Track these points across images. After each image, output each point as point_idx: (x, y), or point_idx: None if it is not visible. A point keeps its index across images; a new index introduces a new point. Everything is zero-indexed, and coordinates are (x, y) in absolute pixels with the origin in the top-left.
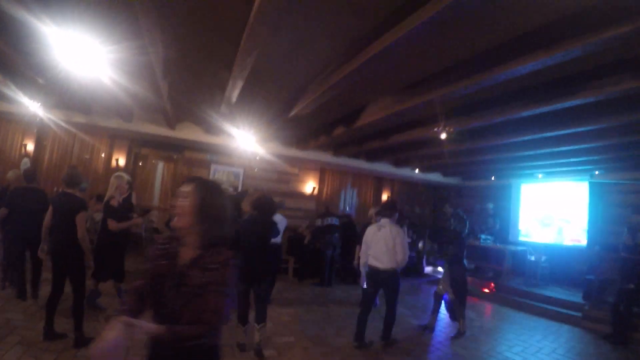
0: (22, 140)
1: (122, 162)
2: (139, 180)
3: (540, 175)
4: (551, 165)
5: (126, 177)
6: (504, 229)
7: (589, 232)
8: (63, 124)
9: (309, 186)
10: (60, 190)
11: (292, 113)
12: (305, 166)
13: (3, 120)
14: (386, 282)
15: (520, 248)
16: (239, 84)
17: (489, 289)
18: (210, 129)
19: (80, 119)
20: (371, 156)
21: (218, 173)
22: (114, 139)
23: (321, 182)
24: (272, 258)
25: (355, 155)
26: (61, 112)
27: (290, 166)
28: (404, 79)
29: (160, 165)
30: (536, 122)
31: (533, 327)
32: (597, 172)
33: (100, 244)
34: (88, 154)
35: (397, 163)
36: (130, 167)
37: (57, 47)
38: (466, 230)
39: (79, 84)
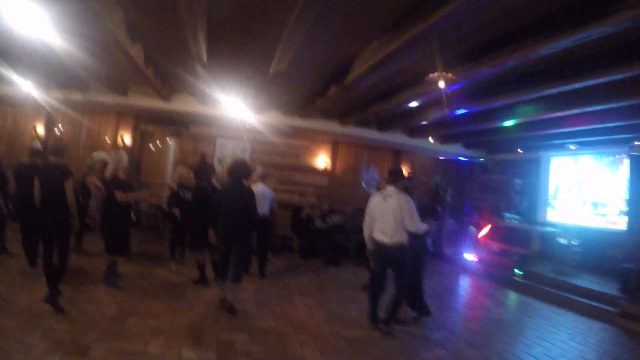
0: (33, 123)
1: (127, 139)
2: (147, 157)
3: (572, 147)
4: (584, 133)
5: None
6: (531, 207)
7: (628, 213)
8: (60, 103)
9: (321, 160)
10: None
11: (272, 69)
12: (315, 138)
13: (14, 104)
14: (393, 258)
15: (549, 229)
16: (201, 37)
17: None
18: (204, 98)
19: (77, 96)
20: (381, 125)
21: (224, 148)
22: (120, 116)
23: (334, 156)
24: (252, 225)
25: (364, 124)
26: (59, 91)
27: (298, 138)
28: (386, 13)
29: (172, 142)
30: (561, 69)
31: (559, 323)
32: (637, 142)
33: (108, 220)
34: (97, 134)
35: (412, 132)
36: (137, 144)
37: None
38: (444, 201)
39: (54, 58)
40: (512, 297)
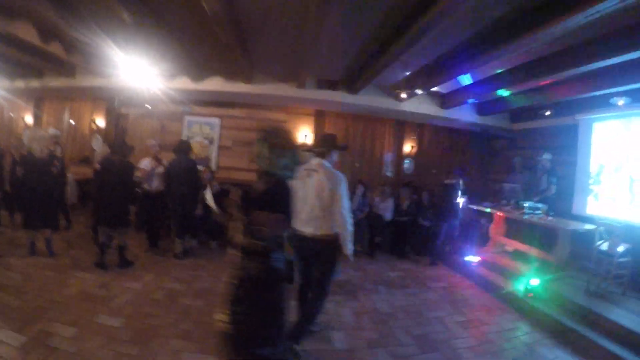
0: (22, 115)
1: (101, 123)
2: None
3: (620, 102)
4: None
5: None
6: (565, 194)
7: None
8: (21, 92)
9: (302, 136)
10: None
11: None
12: (294, 110)
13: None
14: (317, 256)
15: (585, 227)
16: None
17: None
18: (131, 70)
19: (35, 84)
20: (351, 83)
21: (192, 125)
22: (95, 100)
23: (318, 130)
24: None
25: (328, 85)
26: (20, 81)
27: (274, 110)
28: None
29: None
30: None
31: None
32: None
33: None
34: (77, 119)
35: (394, 92)
36: (112, 127)
37: None
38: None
39: None
40: (510, 328)
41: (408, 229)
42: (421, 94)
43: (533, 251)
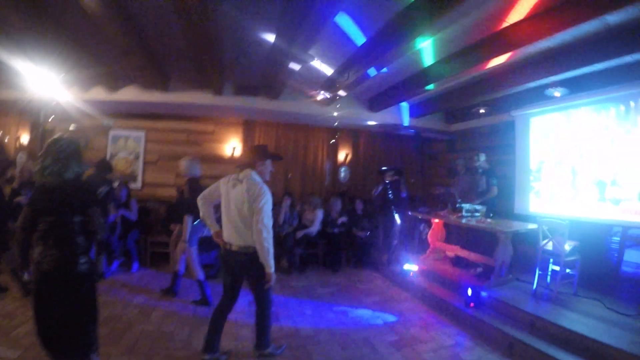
0: None
1: (25, 139)
2: None
3: (557, 93)
4: (576, 63)
5: None
6: (506, 194)
7: None
8: None
9: (230, 147)
10: None
11: None
12: (222, 121)
13: None
14: (244, 269)
15: (527, 227)
16: None
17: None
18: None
19: None
20: (270, 88)
21: (117, 139)
22: (21, 116)
23: (247, 141)
24: None
25: (248, 91)
26: None
27: (202, 122)
28: None
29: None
30: None
31: None
32: None
33: None
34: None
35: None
36: (38, 143)
37: None
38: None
39: None
40: (449, 344)
41: (342, 241)
42: (346, 97)
43: (474, 256)
